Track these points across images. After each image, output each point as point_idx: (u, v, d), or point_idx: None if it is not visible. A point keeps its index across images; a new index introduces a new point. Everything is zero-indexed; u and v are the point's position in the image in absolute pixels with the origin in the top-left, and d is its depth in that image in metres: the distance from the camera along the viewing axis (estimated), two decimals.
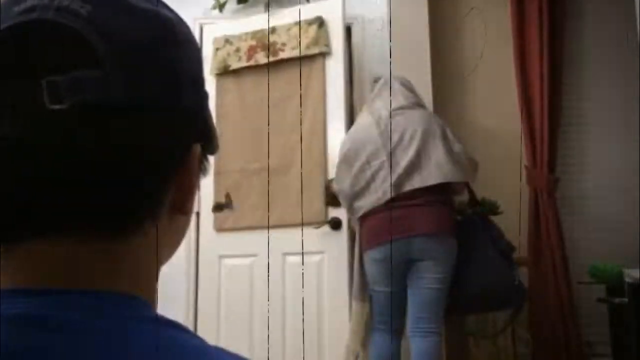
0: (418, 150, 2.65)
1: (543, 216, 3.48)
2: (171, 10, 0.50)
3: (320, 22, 3.32)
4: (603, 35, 3.71)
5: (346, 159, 2.79)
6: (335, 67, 3.29)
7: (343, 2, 3.34)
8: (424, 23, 3.48)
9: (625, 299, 2.83)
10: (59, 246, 0.43)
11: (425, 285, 2.66)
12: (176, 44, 0.48)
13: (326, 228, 3.09)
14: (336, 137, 3.16)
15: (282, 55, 3.34)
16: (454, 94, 3.62)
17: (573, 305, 3.40)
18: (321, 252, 3.10)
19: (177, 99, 0.46)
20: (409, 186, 2.62)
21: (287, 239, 3.10)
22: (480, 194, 3.31)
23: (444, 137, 2.71)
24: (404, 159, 2.64)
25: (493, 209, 3.26)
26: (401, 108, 2.79)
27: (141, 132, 0.44)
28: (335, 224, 3.08)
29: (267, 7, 3.63)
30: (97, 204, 0.43)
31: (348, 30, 3.68)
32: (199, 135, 0.51)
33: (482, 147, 3.55)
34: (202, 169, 0.53)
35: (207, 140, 0.52)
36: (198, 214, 3.33)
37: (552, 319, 3.36)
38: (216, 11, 3.66)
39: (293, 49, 3.32)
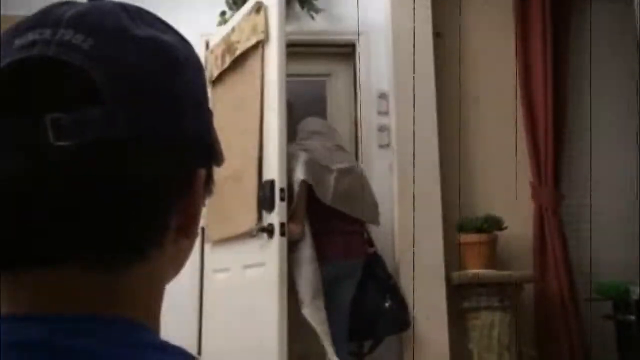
0: (350, 184, 3.04)
1: (548, 233, 3.47)
2: (174, 32, 0.50)
3: (257, 8, 2.98)
4: (606, 50, 3.73)
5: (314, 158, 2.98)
6: (272, 55, 2.89)
7: None
8: (428, 40, 3.49)
9: (632, 316, 2.82)
10: (61, 274, 0.43)
11: (345, 308, 2.85)
12: (179, 71, 0.47)
13: (264, 237, 2.74)
14: (272, 135, 2.82)
15: (237, 52, 3.12)
16: (458, 110, 3.62)
17: (579, 322, 3.38)
18: (262, 264, 2.77)
19: (181, 128, 0.47)
20: (343, 208, 2.97)
21: (245, 251, 2.90)
22: (485, 210, 3.32)
23: (366, 183, 3.17)
24: (344, 184, 3.01)
25: (498, 225, 3.26)
26: (339, 146, 3.21)
27: (144, 164, 0.44)
28: (270, 232, 2.72)
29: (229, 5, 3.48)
30: (100, 235, 0.43)
31: (352, 47, 3.71)
32: (203, 159, 0.51)
33: (487, 164, 3.56)
34: (207, 190, 0.52)
35: (213, 160, 0.52)
36: (203, 229, 3.29)
37: (558, 336, 3.34)
38: (222, 27, 3.67)
39: (241, 42, 3.09)
